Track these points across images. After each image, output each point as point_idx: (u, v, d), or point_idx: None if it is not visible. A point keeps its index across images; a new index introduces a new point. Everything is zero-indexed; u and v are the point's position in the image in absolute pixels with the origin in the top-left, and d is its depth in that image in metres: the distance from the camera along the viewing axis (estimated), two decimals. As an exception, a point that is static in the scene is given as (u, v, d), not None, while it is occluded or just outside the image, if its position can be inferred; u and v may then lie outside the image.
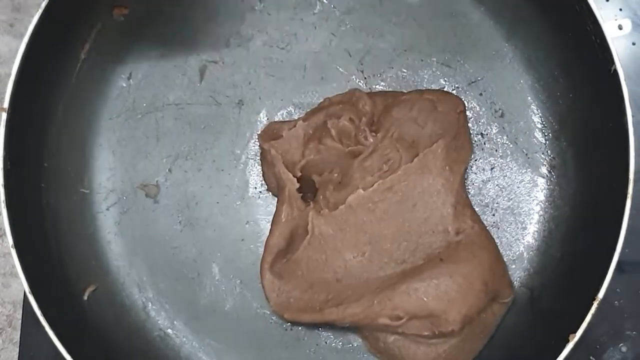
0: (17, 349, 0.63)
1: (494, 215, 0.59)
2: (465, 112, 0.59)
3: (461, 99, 0.59)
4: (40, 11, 0.53)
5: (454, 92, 0.60)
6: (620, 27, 0.63)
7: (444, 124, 0.57)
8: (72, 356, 0.50)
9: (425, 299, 0.52)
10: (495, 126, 0.60)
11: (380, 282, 0.55)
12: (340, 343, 0.58)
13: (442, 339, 0.54)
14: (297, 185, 0.57)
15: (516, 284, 0.58)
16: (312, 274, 0.56)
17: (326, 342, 0.59)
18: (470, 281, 0.53)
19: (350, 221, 0.56)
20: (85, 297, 0.57)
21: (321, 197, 0.57)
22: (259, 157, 0.61)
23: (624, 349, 0.60)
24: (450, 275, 0.53)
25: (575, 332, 0.49)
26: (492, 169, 0.60)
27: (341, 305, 0.54)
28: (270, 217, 0.59)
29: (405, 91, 0.60)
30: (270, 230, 0.57)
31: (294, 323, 0.58)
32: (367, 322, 0.54)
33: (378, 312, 0.53)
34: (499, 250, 0.57)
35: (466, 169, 0.58)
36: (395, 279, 0.54)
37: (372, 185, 0.56)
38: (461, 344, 0.54)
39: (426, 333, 0.53)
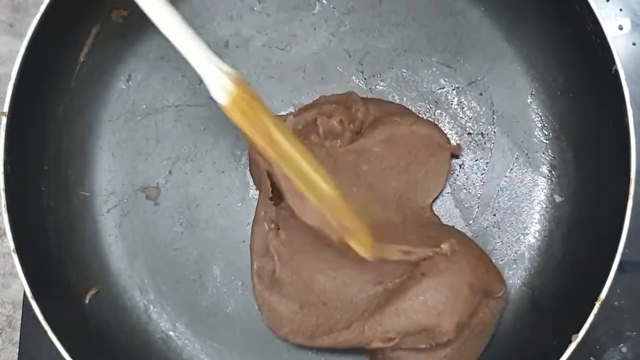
0: (17, 350, 0.63)
1: (494, 215, 0.59)
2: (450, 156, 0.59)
3: (449, 146, 0.59)
4: (40, 12, 0.52)
5: (454, 92, 0.60)
6: (620, 27, 0.63)
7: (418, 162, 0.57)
8: (72, 358, 0.50)
9: (414, 316, 0.52)
10: (495, 126, 0.60)
11: (366, 303, 0.54)
12: (342, 345, 0.59)
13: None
14: (270, 194, 0.55)
15: (517, 283, 0.58)
16: (298, 295, 0.55)
17: (328, 344, 0.59)
18: (455, 289, 0.52)
19: (299, 243, 0.55)
20: (87, 301, 0.57)
21: (282, 211, 0.56)
22: (259, 158, 0.61)
23: (624, 349, 0.60)
24: (435, 288, 0.52)
25: (577, 332, 0.49)
26: (492, 169, 0.60)
27: (332, 333, 0.53)
28: (272, 219, 0.59)
29: (403, 103, 0.60)
30: (251, 231, 0.57)
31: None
32: (361, 346, 0.53)
33: (370, 337, 0.53)
34: (477, 248, 0.56)
35: (437, 198, 0.59)
36: (381, 298, 0.54)
37: None
38: (462, 346, 0.54)
39: (422, 346, 0.53)
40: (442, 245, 0.53)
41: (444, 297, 0.52)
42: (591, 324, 0.49)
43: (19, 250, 0.51)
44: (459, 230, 0.58)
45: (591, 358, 0.59)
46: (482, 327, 0.55)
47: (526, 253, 0.59)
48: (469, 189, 0.60)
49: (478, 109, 0.60)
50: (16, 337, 0.64)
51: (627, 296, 0.60)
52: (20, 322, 0.63)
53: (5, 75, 0.68)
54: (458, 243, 0.54)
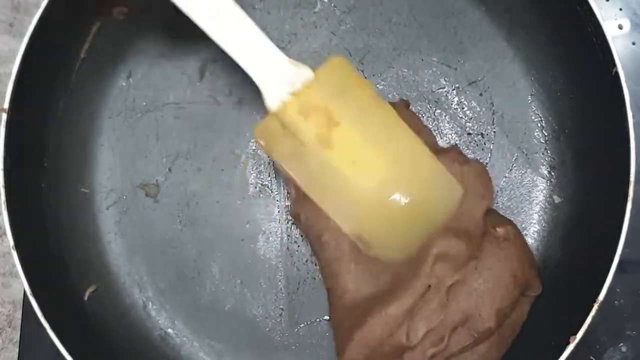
0: (17, 349, 0.63)
1: (494, 215, 0.59)
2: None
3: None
4: (40, 11, 0.52)
5: (454, 91, 0.60)
6: (620, 27, 0.64)
7: None
8: (72, 356, 0.50)
9: (457, 305, 0.50)
10: (495, 126, 0.60)
11: None
12: (341, 343, 0.58)
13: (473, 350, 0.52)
14: None
15: (516, 283, 0.58)
16: None
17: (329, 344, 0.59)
18: (497, 274, 0.51)
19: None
20: (86, 298, 0.57)
21: None
22: (258, 156, 0.60)
23: (624, 349, 0.60)
24: (478, 271, 0.51)
25: (575, 333, 0.49)
26: (491, 169, 0.60)
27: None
28: (271, 217, 0.59)
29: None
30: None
31: None
32: None
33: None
34: (526, 242, 0.56)
35: None
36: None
37: None
38: (487, 352, 0.53)
39: (468, 343, 0.51)
40: (498, 229, 0.52)
41: (484, 279, 0.51)
42: (591, 324, 0.49)
43: (18, 247, 0.51)
44: (514, 223, 0.57)
45: (591, 357, 0.59)
46: (511, 331, 0.54)
47: (525, 253, 0.59)
48: (469, 188, 0.60)
49: (478, 109, 0.60)
50: (16, 336, 0.64)
51: (627, 296, 0.60)
52: (20, 321, 0.63)
53: (6, 75, 0.68)
54: (513, 233, 0.53)
